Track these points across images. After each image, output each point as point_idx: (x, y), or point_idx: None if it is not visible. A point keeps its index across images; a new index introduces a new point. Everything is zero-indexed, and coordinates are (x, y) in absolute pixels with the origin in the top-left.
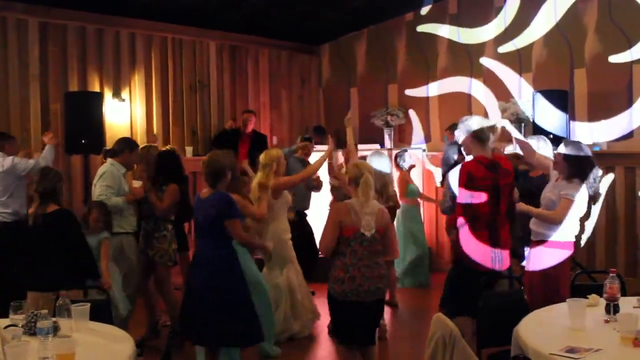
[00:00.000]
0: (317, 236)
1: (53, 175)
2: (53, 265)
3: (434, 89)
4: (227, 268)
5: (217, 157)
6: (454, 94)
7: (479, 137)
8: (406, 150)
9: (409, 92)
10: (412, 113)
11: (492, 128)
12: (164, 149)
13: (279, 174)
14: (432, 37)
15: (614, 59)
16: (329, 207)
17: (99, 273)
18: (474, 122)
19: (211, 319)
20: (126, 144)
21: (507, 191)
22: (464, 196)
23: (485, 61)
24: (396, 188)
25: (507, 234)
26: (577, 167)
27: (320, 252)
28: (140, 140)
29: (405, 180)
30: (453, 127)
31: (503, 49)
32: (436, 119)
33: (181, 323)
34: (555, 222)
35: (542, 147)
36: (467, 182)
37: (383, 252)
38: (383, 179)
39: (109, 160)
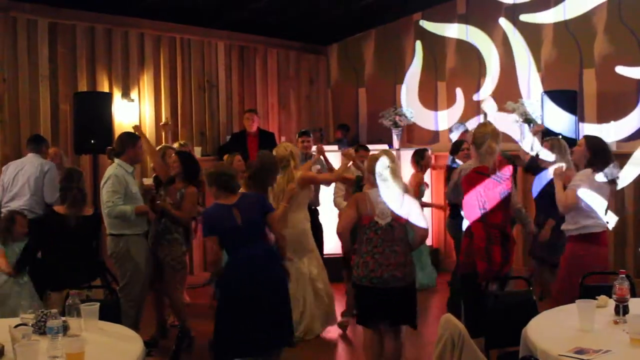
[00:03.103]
0: (326, 234)
1: (79, 177)
2: (80, 264)
3: (442, 89)
4: (280, 264)
5: (226, 166)
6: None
7: (479, 145)
8: (426, 150)
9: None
10: (419, 114)
11: (496, 138)
12: (176, 144)
13: (298, 167)
14: (441, 38)
15: (621, 70)
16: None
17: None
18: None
19: (282, 319)
20: (128, 140)
21: (510, 196)
22: (474, 208)
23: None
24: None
25: (513, 242)
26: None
27: (337, 232)
28: (150, 139)
29: (419, 181)
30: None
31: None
32: (444, 120)
33: (231, 340)
34: (559, 204)
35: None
36: (474, 193)
37: (405, 240)
38: None
39: (116, 160)
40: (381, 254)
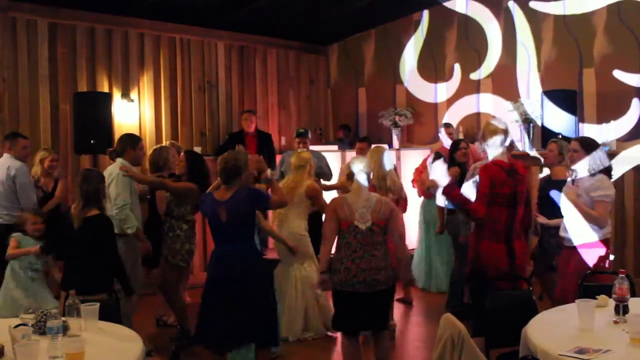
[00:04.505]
0: None
1: (94, 176)
2: (85, 268)
3: (442, 90)
4: (259, 265)
5: (235, 156)
6: (461, 94)
7: (484, 136)
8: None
9: None
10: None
11: (505, 131)
12: (167, 143)
13: (311, 175)
14: (441, 38)
15: (619, 75)
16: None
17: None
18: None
19: (251, 319)
20: (129, 142)
21: (523, 198)
22: (484, 200)
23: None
24: None
25: (522, 246)
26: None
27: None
28: (149, 140)
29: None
30: (448, 125)
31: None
32: (443, 93)
33: (203, 331)
34: (601, 223)
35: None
36: (489, 186)
37: (384, 243)
38: (381, 172)
39: (119, 160)
40: (361, 259)
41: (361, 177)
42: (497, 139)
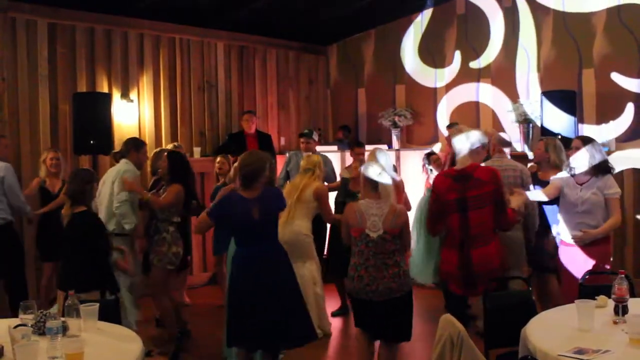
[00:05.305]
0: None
1: (82, 176)
2: (75, 266)
3: (441, 88)
4: (289, 264)
5: (252, 160)
6: (461, 95)
7: (454, 146)
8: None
9: None
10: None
11: (482, 142)
12: (170, 145)
13: (320, 179)
14: (440, 38)
15: (616, 77)
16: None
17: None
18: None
19: (289, 320)
20: (132, 144)
21: (477, 204)
22: (432, 209)
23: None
24: None
25: (483, 252)
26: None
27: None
28: (149, 141)
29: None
30: (452, 125)
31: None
32: (444, 119)
33: (241, 333)
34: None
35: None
36: (434, 196)
37: (397, 250)
38: None
39: (124, 160)
40: (374, 267)
41: (385, 178)
42: (459, 145)
